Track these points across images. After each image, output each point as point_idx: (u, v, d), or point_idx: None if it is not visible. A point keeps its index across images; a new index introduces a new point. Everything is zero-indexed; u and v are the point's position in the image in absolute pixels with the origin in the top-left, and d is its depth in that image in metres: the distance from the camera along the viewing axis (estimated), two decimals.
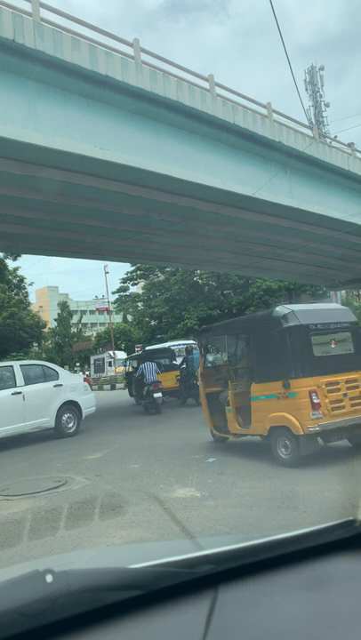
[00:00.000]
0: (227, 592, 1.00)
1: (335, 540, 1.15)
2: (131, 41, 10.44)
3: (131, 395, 18.33)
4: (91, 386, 13.03)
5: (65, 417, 11.31)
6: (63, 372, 12.12)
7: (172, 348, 20.67)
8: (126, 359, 24.15)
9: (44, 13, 8.98)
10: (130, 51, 10.26)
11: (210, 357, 9.29)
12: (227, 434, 8.00)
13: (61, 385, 11.34)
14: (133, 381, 16.88)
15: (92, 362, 43.76)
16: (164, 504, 5.28)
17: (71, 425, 11.41)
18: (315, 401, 6.35)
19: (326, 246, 18.93)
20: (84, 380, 12.63)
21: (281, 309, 7.03)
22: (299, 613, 0.94)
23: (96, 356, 44.10)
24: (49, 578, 0.92)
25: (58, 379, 11.44)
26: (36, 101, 9.10)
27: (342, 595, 1.02)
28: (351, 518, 1.17)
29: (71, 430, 11.36)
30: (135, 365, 18.12)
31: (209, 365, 9.02)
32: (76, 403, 11.56)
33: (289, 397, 6.54)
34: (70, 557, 2.03)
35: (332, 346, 7.00)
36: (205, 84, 11.68)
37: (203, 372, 8.91)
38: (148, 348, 24.45)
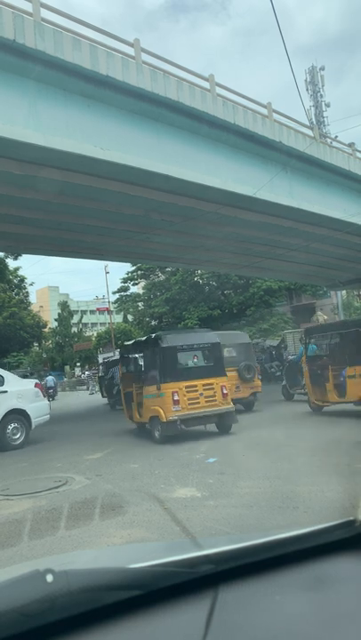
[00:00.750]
0: (227, 592, 1.00)
1: (335, 540, 1.15)
2: (131, 41, 10.43)
3: (103, 396, 20.14)
4: (43, 391, 11.70)
5: (10, 427, 10.17)
6: (10, 377, 10.87)
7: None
8: (99, 364, 25.60)
9: (45, 13, 8.98)
10: (130, 51, 10.25)
11: (128, 366, 12.00)
12: (134, 422, 10.80)
13: (6, 392, 10.20)
14: (104, 383, 18.84)
15: (100, 360, 43.65)
16: (164, 504, 5.28)
17: (18, 436, 10.24)
18: (175, 398, 9.01)
19: (327, 246, 18.92)
20: (36, 385, 11.41)
21: (157, 334, 10.13)
22: (299, 613, 0.94)
23: (104, 355, 43.94)
24: (49, 578, 0.91)
25: (2, 385, 10.31)
26: (36, 101, 9.10)
27: (342, 595, 1.02)
28: (351, 518, 1.17)
29: (18, 442, 10.19)
30: (105, 370, 20.26)
31: (126, 372, 11.81)
32: (24, 411, 10.38)
33: (160, 396, 9.23)
34: (70, 557, 2.02)
35: (195, 360, 9.70)
36: (206, 84, 11.67)
37: (122, 376, 12.00)
38: None
